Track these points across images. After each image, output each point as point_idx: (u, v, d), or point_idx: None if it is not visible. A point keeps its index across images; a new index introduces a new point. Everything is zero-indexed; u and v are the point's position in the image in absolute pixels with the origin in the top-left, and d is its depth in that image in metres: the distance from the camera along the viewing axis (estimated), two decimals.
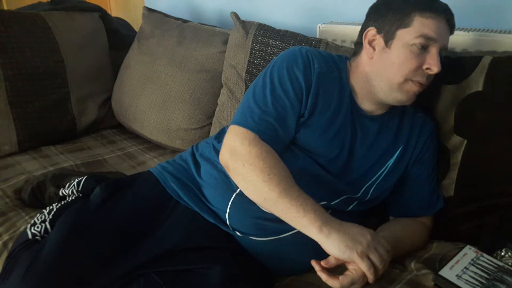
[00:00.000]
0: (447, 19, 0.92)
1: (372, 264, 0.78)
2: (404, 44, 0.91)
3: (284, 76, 0.94)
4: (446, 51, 0.95)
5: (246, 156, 0.86)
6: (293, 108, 0.92)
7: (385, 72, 0.93)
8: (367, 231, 0.81)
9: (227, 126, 0.97)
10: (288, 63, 0.96)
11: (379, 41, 0.95)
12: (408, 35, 0.90)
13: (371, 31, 0.96)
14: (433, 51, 0.90)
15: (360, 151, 0.97)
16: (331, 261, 0.79)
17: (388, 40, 0.93)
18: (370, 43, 0.96)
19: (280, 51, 1.31)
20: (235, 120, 0.92)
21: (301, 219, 0.80)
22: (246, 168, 0.85)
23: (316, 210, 0.81)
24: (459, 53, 1.12)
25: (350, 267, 0.80)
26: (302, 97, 0.94)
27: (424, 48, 0.90)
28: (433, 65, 0.90)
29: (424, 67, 0.91)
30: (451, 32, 0.95)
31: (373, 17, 0.98)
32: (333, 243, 0.78)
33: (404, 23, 0.91)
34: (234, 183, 0.91)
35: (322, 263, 0.79)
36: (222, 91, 1.50)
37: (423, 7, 0.90)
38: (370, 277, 0.78)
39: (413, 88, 0.92)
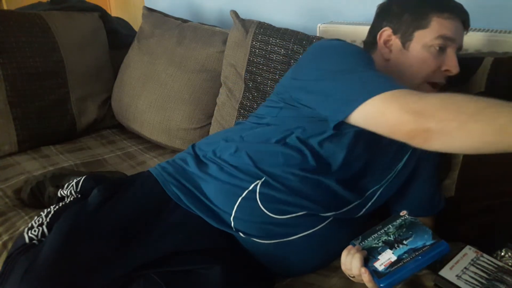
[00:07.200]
0: (463, 20, 0.92)
1: None
2: (423, 45, 0.90)
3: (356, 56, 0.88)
4: (460, 51, 0.95)
5: (431, 108, 0.68)
6: None
7: (403, 74, 0.92)
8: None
9: (239, 123, 1.01)
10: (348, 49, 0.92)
11: (395, 42, 0.94)
12: (427, 36, 0.90)
13: (386, 31, 0.95)
14: (451, 52, 0.90)
15: (373, 157, 0.93)
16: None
17: (405, 41, 0.92)
18: (385, 43, 0.95)
19: (281, 50, 1.31)
20: (361, 96, 0.75)
21: None
22: (449, 115, 0.66)
23: None
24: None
25: None
26: None
27: (442, 49, 0.90)
28: (452, 67, 0.90)
29: (443, 69, 0.90)
30: (466, 33, 0.95)
31: (387, 17, 0.96)
32: None
33: (422, 24, 0.90)
34: (241, 186, 0.88)
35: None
36: (221, 90, 1.50)
37: (441, 8, 0.89)
38: None
39: (428, 90, 0.92)
